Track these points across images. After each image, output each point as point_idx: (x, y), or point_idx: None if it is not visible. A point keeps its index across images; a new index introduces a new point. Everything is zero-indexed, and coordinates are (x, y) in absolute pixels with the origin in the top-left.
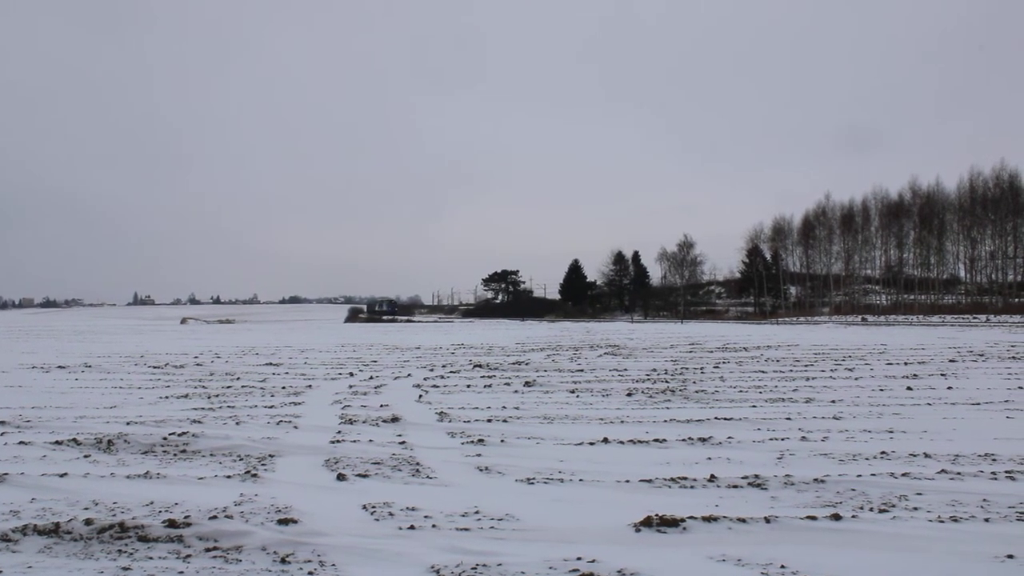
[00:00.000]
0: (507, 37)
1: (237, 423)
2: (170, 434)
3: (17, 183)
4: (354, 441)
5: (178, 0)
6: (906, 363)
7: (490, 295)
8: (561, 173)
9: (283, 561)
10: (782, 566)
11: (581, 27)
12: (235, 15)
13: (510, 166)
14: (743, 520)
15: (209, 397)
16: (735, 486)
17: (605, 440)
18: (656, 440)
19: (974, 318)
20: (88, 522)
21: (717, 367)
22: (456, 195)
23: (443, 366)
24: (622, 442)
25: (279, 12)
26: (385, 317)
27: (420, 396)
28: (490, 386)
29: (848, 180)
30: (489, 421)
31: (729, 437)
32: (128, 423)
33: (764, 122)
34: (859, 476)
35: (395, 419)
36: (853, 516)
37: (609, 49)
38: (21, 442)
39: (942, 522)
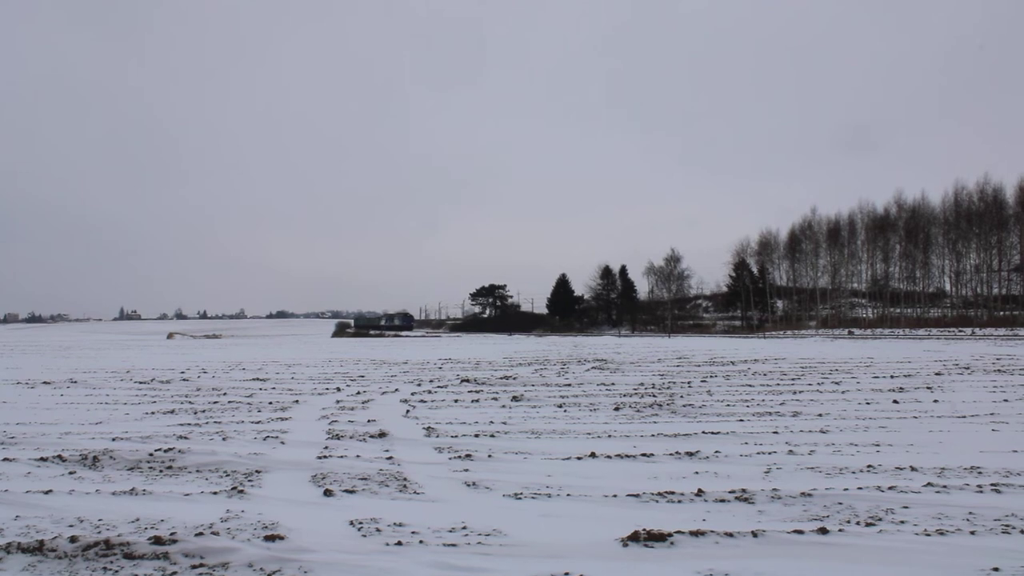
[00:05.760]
0: (505, 42)
1: (224, 439)
2: (156, 450)
3: (1, 196)
4: (341, 457)
5: (171, 11)
6: (892, 376)
7: (478, 310)
8: (548, 186)
9: None
10: None
11: (580, 30)
12: (228, 24)
13: (496, 181)
14: (730, 534)
15: (195, 413)
16: (722, 500)
17: (592, 455)
18: (643, 455)
19: (959, 331)
20: (73, 539)
21: (704, 381)
22: (444, 210)
23: (430, 381)
24: (609, 457)
25: (274, 22)
26: (401, 333)
27: (407, 411)
28: (477, 401)
29: (839, 192)
30: (476, 436)
31: (716, 451)
32: (114, 439)
33: (762, 134)
34: (846, 490)
35: (382, 434)
36: (840, 530)
37: (609, 54)
38: (5, 459)
39: (928, 535)
